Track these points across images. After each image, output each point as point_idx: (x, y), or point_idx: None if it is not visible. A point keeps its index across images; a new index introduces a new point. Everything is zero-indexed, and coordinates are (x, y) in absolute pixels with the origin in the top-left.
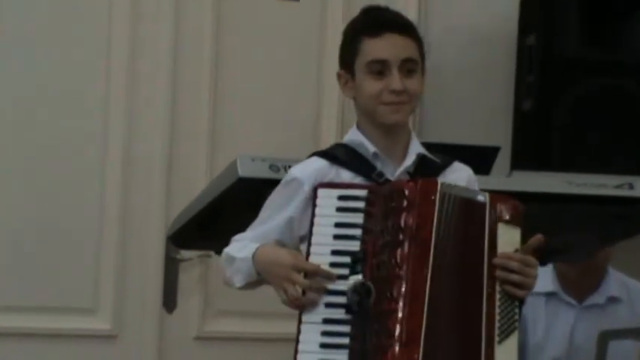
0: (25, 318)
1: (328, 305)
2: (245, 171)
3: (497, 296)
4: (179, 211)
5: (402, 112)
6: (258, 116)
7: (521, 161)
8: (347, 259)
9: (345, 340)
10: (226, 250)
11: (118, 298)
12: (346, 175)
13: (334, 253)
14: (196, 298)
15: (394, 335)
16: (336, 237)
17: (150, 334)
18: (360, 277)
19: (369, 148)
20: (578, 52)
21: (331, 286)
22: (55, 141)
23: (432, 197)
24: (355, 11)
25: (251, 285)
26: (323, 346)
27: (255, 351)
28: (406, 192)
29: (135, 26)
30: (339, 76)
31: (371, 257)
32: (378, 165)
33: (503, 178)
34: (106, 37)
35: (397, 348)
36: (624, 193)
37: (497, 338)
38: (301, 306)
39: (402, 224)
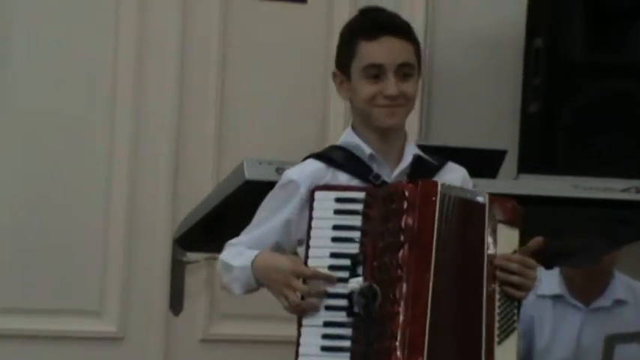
0: (31, 320)
1: (328, 308)
2: (252, 174)
3: (497, 297)
4: (185, 213)
5: (397, 116)
6: (264, 119)
7: (527, 164)
8: (346, 262)
9: (346, 343)
10: (222, 257)
11: (124, 300)
12: (343, 178)
13: (333, 255)
14: (202, 301)
15: (397, 338)
16: (335, 240)
17: (156, 337)
18: (360, 279)
19: (365, 150)
20: (584, 56)
21: (331, 289)
22: (61, 143)
23: (433, 198)
24: None
25: (250, 291)
26: (324, 349)
27: (261, 354)
28: (406, 193)
29: (142, 29)
30: (334, 75)
31: (371, 259)
32: (375, 167)
33: (510, 181)
34: (112, 41)
35: (401, 351)
36: (631, 196)
37: (496, 339)
38: (302, 311)
39: (403, 226)
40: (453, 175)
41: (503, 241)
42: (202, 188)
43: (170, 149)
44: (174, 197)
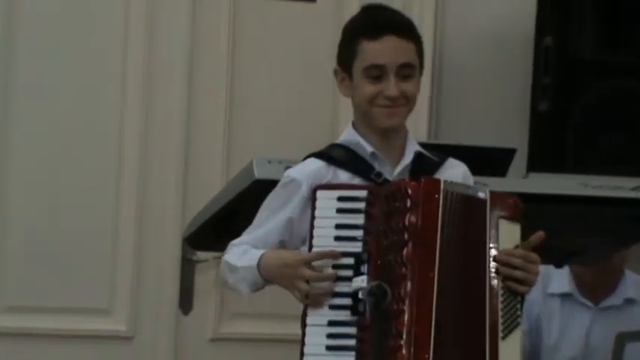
0: (41, 319)
1: (333, 307)
2: (261, 173)
3: (500, 292)
4: (195, 212)
5: (397, 117)
6: (274, 118)
7: (537, 163)
8: (350, 261)
9: (351, 342)
10: (225, 258)
11: (134, 299)
12: (344, 176)
13: None
14: (212, 300)
15: (403, 336)
16: (338, 239)
17: (165, 336)
18: (365, 278)
19: (367, 147)
20: (594, 54)
21: (336, 289)
22: (70, 143)
23: (436, 196)
24: None
25: (258, 289)
26: (329, 348)
27: (271, 353)
28: (409, 191)
29: (151, 29)
30: (336, 72)
31: (375, 258)
32: (376, 165)
33: (520, 179)
34: (121, 40)
35: (407, 349)
36: None
37: (500, 334)
38: (315, 299)
39: (407, 224)
40: (454, 170)
41: (505, 237)
42: (212, 188)
43: (180, 149)
44: (184, 196)
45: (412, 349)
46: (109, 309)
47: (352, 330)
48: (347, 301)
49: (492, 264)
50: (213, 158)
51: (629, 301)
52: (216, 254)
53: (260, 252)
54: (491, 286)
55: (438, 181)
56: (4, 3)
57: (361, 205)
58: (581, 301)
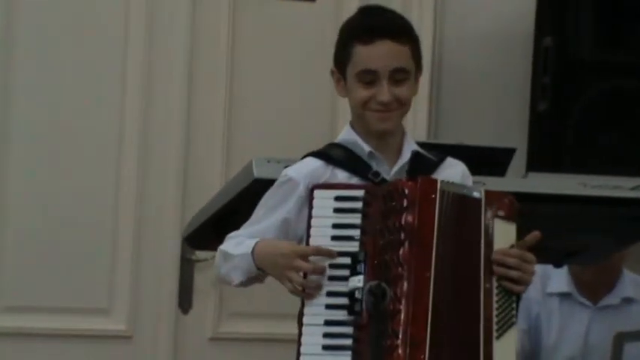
0: (40, 318)
1: (330, 307)
2: (260, 172)
3: (495, 292)
4: (194, 212)
5: (390, 121)
6: (273, 118)
7: (536, 163)
8: (346, 260)
9: (348, 342)
10: (222, 247)
11: (133, 298)
12: (342, 175)
13: None
14: (211, 299)
15: (399, 336)
16: (334, 238)
17: (165, 335)
18: (361, 277)
19: (364, 147)
20: (593, 54)
21: (332, 288)
22: (70, 143)
23: (432, 196)
24: None
25: (250, 281)
26: (325, 347)
27: (270, 352)
28: (406, 191)
29: (150, 28)
30: (332, 73)
31: (372, 258)
32: (374, 164)
33: (519, 179)
34: (121, 40)
35: (403, 349)
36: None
37: (495, 334)
38: (306, 292)
39: (403, 223)
40: (453, 170)
41: (500, 236)
42: (211, 187)
43: (179, 148)
44: (184, 196)
45: (408, 349)
46: (109, 308)
47: (349, 329)
48: (343, 300)
49: (487, 263)
50: (213, 158)
51: (628, 301)
52: (216, 254)
53: (255, 240)
54: (486, 285)
55: (435, 180)
56: (4, 3)
57: (358, 205)
58: (580, 301)
